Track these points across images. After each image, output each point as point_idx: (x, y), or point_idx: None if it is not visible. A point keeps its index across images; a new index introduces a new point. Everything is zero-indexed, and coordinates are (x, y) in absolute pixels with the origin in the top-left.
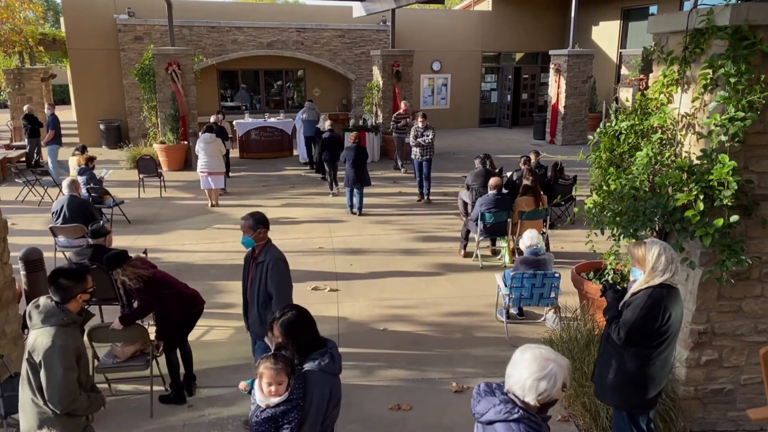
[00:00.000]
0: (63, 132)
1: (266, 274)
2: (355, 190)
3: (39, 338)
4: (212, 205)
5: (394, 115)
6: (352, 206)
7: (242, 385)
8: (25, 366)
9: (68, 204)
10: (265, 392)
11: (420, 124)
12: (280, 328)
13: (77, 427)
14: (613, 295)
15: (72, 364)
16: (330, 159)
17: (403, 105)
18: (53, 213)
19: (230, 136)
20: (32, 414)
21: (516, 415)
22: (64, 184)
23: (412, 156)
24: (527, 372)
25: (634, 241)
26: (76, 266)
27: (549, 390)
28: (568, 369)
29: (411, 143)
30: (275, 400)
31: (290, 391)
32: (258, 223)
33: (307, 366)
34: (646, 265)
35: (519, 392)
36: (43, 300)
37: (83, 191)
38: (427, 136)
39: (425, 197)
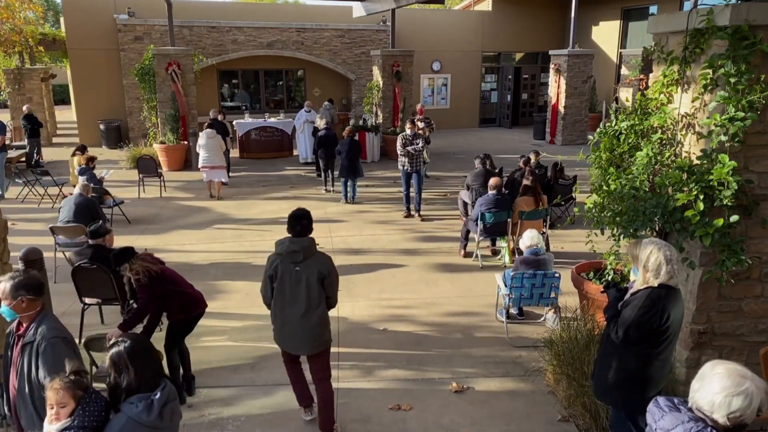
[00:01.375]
0: (64, 132)
1: (36, 359)
2: (348, 181)
3: (318, 263)
4: (211, 196)
5: (410, 118)
6: (346, 196)
7: None
8: (303, 287)
9: (75, 202)
10: (49, 418)
11: (408, 131)
12: (108, 359)
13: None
14: (615, 294)
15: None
16: (326, 156)
17: (419, 107)
18: (59, 210)
19: (230, 136)
20: (312, 316)
21: None
22: (77, 185)
23: (399, 166)
24: (719, 386)
25: (633, 240)
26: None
27: (742, 410)
28: (766, 393)
29: (399, 152)
30: (55, 427)
31: (73, 417)
32: (18, 288)
33: (121, 407)
34: (639, 264)
35: (707, 408)
36: (287, 242)
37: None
38: (417, 143)
39: (416, 214)
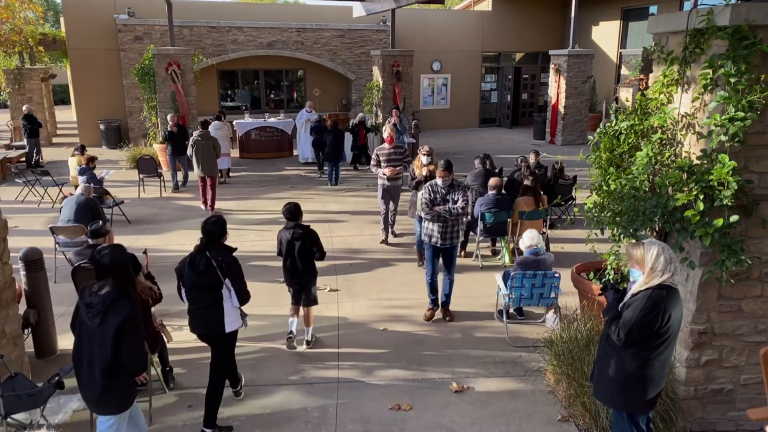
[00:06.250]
0: (64, 132)
1: None
2: (333, 166)
3: (212, 141)
4: (220, 182)
5: (375, 152)
6: (330, 179)
7: None
8: (208, 150)
9: (77, 201)
10: None
11: (440, 181)
12: None
13: None
14: (613, 296)
15: None
16: (319, 143)
17: (387, 130)
18: (60, 209)
19: (230, 136)
20: (212, 160)
21: None
22: (79, 185)
23: (423, 235)
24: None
25: (632, 242)
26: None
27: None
28: None
29: (423, 214)
30: None
31: None
32: None
33: None
34: (645, 265)
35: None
36: (198, 137)
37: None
38: (455, 201)
39: (442, 310)
